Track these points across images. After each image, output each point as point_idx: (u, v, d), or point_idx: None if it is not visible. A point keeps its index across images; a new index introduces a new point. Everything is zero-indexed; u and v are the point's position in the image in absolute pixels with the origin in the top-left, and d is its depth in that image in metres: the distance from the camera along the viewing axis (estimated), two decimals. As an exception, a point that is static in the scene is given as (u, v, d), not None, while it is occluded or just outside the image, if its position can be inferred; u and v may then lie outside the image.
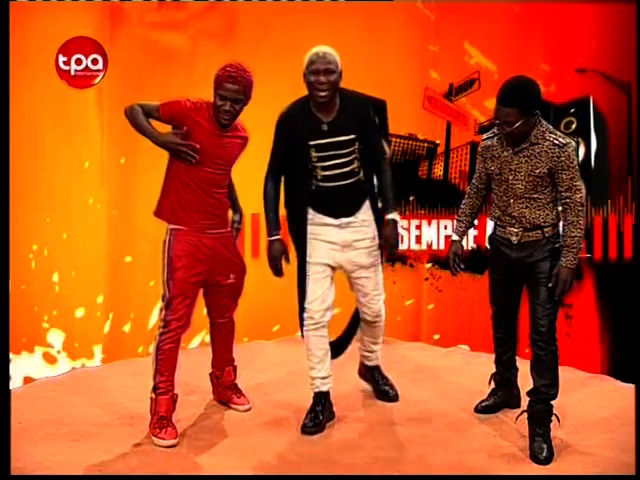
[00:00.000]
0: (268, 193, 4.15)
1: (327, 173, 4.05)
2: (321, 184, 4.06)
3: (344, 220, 4.10)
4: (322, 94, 3.95)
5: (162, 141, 4.04)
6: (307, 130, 4.01)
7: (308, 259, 4.10)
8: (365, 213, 4.14)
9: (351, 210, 4.12)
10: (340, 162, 4.04)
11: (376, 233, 4.16)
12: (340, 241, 4.10)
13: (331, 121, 4.02)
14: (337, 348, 4.39)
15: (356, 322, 4.41)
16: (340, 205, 4.10)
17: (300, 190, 4.09)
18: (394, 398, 4.44)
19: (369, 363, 4.46)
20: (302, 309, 4.14)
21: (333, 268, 4.14)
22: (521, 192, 3.91)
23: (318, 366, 4.15)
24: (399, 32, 6.07)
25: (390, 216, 4.12)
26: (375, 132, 4.16)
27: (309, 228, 4.11)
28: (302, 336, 4.18)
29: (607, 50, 6.05)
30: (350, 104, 4.05)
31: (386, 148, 4.26)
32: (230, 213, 4.28)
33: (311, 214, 4.13)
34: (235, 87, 3.99)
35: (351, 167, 4.07)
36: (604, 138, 6.17)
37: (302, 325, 4.15)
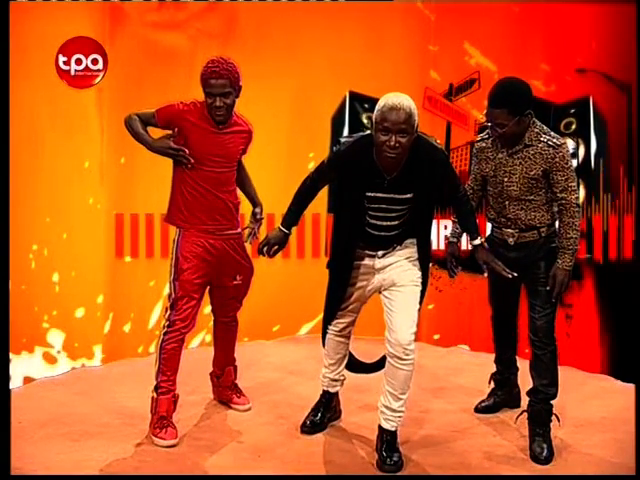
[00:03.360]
0: (300, 192, 3.92)
1: (374, 222, 3.78)
2: (367, 229, 3.80)
3: (380, 252, 3.86)
4: (391, 157, 3.57)
5: (156, 147, 4.06)
6: (366, 182, 3.69)
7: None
8: (408, 240, 3.88)
9: (391, 245, 3.87)
10: (390, 216, 3.76)
11: (415, 256, 3.87)
12: (373, 264, 3.87)
13: (394, 177, 3.67)
14: (353, 366, 4.24)
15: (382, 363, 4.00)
16: (380, 244, 3.85)
17: (350, 232, 3.83)
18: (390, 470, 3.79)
19: (383, 423, 3.83)
20: (325, 320, 4.06)
21: (369, 290, 3.92)
22: (516, 194, 3.91)
23: (331, 367, 4.14)
24: (399, 32, 6.06)
25: (476, 242, 3.87)
26: (452, 181, 3.81)
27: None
28: (323, 345, 4.13)
29: (607, 50, 6.05)
30: (420, 158, 3.66)
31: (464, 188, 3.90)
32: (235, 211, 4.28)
33: None
34: (220, 82, 3.98)
35: (400, 221, 3.78)
36: (604, 138, 6.16)
37: (324, 328, 4.11)
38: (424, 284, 3.90)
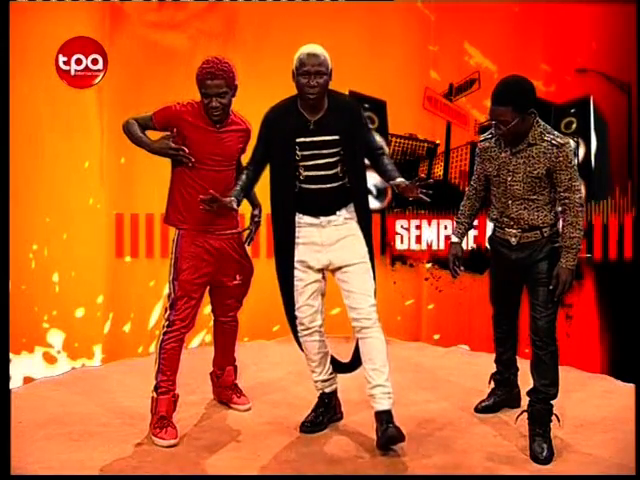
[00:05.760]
0: (240, 176, 4.05)
1: (309, 173, 3.92)
2: (303, 185, 3.94)
3: (324, 219, 3.96)
4: (312, 97, 3.87)
5: (155, 148, 4.08)
6: (293, 127, 3.92)
7: (294, 263, 3.98)
8: (348, 212, 3.97)
9: (332, 209, 3.97)
10: (323, 163, 3.92)
11: (359, 233, 3.98)
12: (321, 241, 3.96)
13: (317, 120, 3.92)
14: (341, 367, 4.24)
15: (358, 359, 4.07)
16: (321, 206, 3.96)
17: (285, 192, 3.96)
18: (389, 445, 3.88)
19: (376, 406, 3.91)
20: (288, 314, 4.08)
21: (319, 270, 4.00)
22: (519, 193, 3.91)
23: (317, 369, 4.14)
24: (399, 32, 6.06)
25: (398, 180, 3.87)
26: (367, 130, 4.06)
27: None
28: (296, 341, 4.14)
29: (607, 50, 6.05)
30: (338, 104, 3.96)
31: (384, 146, 4.15)
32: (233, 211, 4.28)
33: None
34: (216, 82, 4.00)
35: (334, 170, 3.93)
36: (604, 138, 6.16)
37: (293, 330, 4.12)
38: (371, 259, 4.01)
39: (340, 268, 3.97)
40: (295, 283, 3.99)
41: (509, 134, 3.83)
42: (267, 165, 4.02)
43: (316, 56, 3.87)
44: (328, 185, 3.94)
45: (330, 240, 3.97)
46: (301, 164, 3.93)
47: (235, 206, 3.97)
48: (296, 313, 4.04)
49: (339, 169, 3.94)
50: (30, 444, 3.96)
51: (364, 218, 4.02)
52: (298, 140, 3.91)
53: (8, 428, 3.68)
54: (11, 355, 5.45)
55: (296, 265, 3.98)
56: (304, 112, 3.93)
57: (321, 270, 4.01)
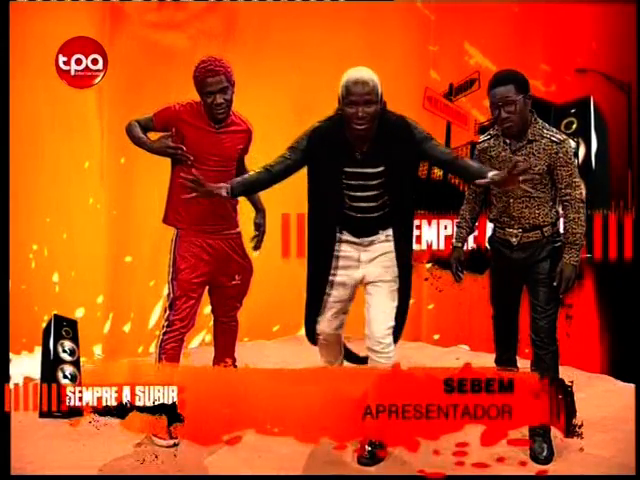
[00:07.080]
0: (250, 173, 3.88)
1: (354, 204, 3.80)
2: (347, 212, 3.83)
3: (366, 239, 3.88)
4: (360, 128, 3.64)
5: (155, 148, 4.10)
6: (340, 156, 3.73)
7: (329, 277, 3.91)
8: (391, 229, 3.89)
9: (375, 231, 3.88)
10: (368, 195, 3.78)
11: (397, 254, 3.88)
12: (359, 257, 3.89)
13: (365, 151, 3.74)
14: (356, 359, 4.28)
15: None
16: (364, 229, 3.87)
17: (330, 216, 3.82)
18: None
19: None
20: (309, 319, 4.02)
21: (351, 287, 3.94)
22: (520, 191, 3.91)
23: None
24: (399, 32, 6.06)
25: (491, 174, 3.67)
26: (428, 141, 3.80)
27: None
28: (311, 342, 4.10)
29: (607, 50, 6.05)
30: (387, 130, 3.73)
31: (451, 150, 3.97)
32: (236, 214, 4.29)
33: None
34: (217, 78, 4.01)
35: (379, 201, 3.80)
36: (604, 138, 6.16)
37: (308, 332, 4.10)
38: (407, 278, 3.91)
39: (370, 282, 3.89)
40: (325, 297, 3.91)
41: (515, 115, 3.80)
42: (290, 175, 3.81)
43: (365, 83, 3.61)
44: (373, 214, 3.83)
45: (368, 257, 3.89)
46: (347, 192, 3.79)
47: (224, 193, 3.72)
48: (320, 319, 3.97)
49: (385, 199, 3.80)
50: (30, 444, 3.96)
51: (405, 242, 3.91)
52: (345, 170, 3.76)
53: (8, 428, 3.67)
54: (11, 355, 5.44)
55: (330, 279, 3.89)
56: (352, 140, 3.72)
57: (354, 287, 3.94)
